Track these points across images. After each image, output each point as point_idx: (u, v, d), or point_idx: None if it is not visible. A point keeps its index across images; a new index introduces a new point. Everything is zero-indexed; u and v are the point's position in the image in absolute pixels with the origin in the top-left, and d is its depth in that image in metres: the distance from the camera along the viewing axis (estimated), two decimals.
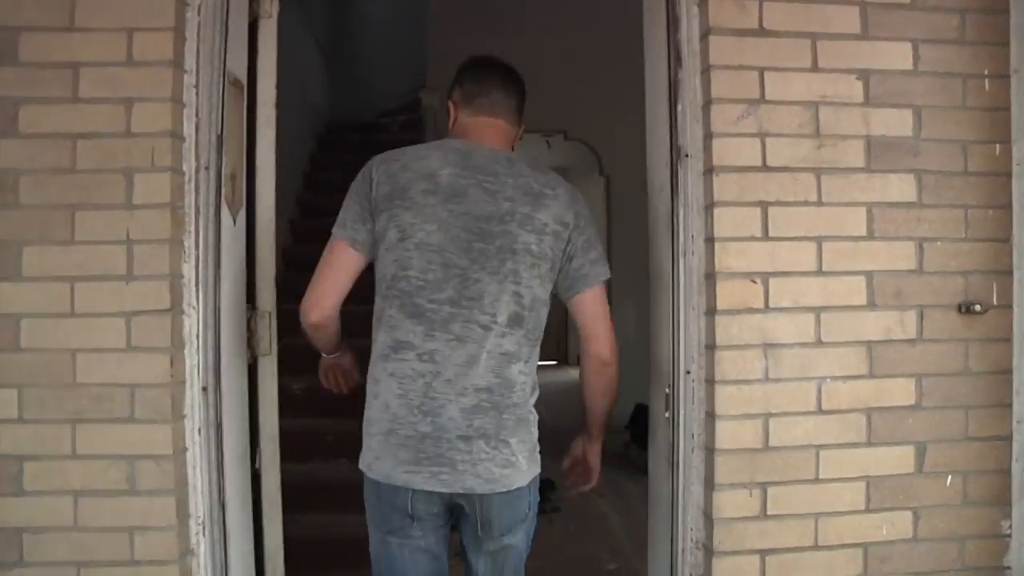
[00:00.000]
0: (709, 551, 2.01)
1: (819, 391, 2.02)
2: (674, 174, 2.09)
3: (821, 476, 2.02)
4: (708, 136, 2.02)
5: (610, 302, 1.86)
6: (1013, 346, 2.07)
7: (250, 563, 2.14)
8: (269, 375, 2.19)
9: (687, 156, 2.06)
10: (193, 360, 1.95)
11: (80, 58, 1.89)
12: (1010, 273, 2.08)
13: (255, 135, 2.16)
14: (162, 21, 1.90)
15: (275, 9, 2.18)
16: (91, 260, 1.88)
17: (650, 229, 2.24)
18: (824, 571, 2.02)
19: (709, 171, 2.01)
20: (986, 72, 2.09)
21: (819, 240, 2.02)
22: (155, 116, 1.89)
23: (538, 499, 1.85)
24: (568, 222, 1.80)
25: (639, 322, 3.20)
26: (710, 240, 2.01)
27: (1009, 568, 2.08)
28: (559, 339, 11.00)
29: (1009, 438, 2.08)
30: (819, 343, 2.02)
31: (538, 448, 1.82)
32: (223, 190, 2.02)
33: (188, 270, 1.95)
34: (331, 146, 6.81)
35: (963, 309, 2.06)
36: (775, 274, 2.00)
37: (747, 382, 1.99)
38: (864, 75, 2.05)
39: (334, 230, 1.80)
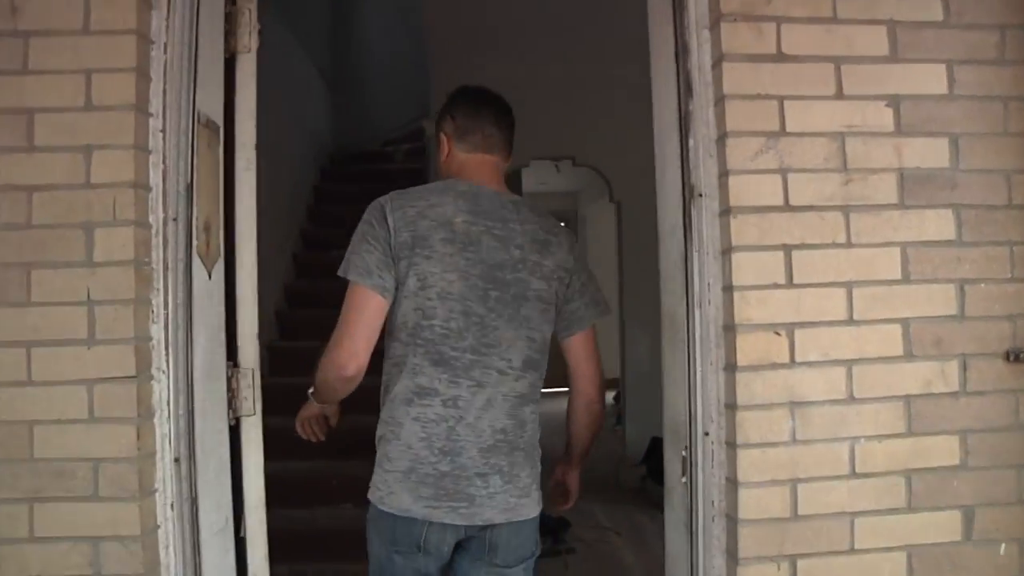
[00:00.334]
0: None
1: (852, 452, 1.87)
2: (687, 215, 1.95)
3: (857, 546, 1.87)
4: (724, 173, 1.88)
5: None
6: None
7: None
8: (253, 438, 2.03)
9: (701, 195, 1.92)
10: (164, 429, 1.82)
11: (34, 104, 1.77)
12: None
13: (233, 180, 2.02)
14: (123, 61, 1.77)
15: (254, 43, 2.05)
16: (49, 323, 1.76)
17: (661, 276, 2.10)
18: None
19: (726, 212, 1.88)
20: None
21: (849, 286, 1.88)
22: (117, 165, 1.76)
23: (539, 543, 1.93)
24: (569, 267, 1.93)
25: (653, 353, 3.08)
26: (728, 288, 1.87)
27: None
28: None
29: None
30: (851, 399, 1.88)
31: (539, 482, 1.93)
32: (195, 242, 1.88)
33: (157, 331, 1.81)
34: (335, 177, 6.79)
35: (1011, 357, 1.91)
36: (801, 325, 1.86)
37: (772, 444, 1.85)
38: (894, 101, 1.92)
39: (356, 277, 1.77)
